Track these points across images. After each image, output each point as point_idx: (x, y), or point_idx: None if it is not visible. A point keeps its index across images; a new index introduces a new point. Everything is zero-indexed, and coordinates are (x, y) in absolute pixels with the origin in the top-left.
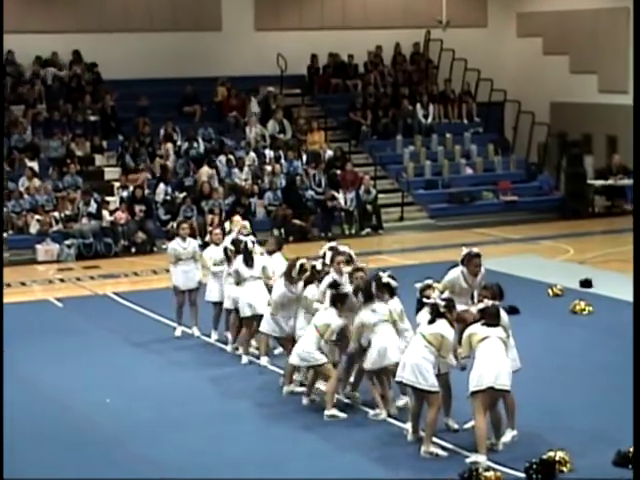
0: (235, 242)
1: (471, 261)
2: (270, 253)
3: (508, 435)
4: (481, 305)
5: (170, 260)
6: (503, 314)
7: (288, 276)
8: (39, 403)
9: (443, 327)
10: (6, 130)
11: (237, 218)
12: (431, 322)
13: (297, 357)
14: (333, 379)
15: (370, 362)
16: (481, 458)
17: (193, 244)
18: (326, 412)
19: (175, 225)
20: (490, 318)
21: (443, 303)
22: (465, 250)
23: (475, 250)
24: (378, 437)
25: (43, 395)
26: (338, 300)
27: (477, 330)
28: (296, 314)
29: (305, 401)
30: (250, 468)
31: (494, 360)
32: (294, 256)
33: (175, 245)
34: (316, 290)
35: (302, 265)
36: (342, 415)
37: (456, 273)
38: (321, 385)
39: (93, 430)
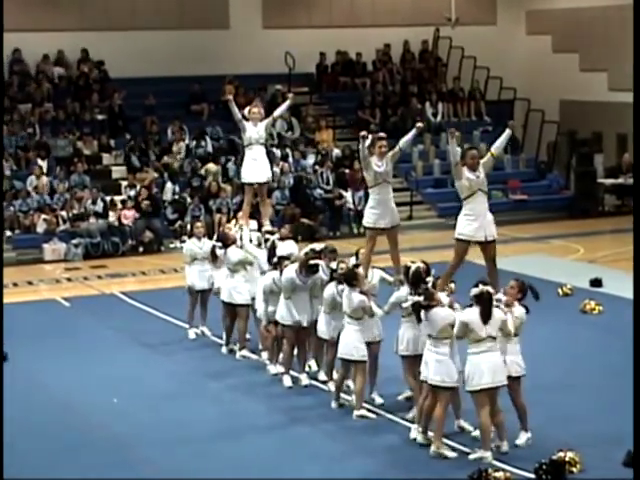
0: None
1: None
2: (282, 239)
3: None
4: (475, 290)
5: (185, 260)
6: (522, 311)
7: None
8: (44, 403)
9: (440, 316)
10: (13, 129)
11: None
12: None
13: (346, 352)
14: (362, 379)
15: (406, 350)
16: (486, 454)
17: (208, 244)
18: (355, 412)
19: (189, 225)
20: (484, 305)
21: (422, 298)
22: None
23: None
24: (389, 440)
25: (48, 395)
26: (352, 278)
27: (474, 326)
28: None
29: (334, 405)
30: (255, 470)
31: (491, 358)
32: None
33: (191, 245)
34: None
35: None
36: (372, 415)
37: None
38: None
39: (96, 431)
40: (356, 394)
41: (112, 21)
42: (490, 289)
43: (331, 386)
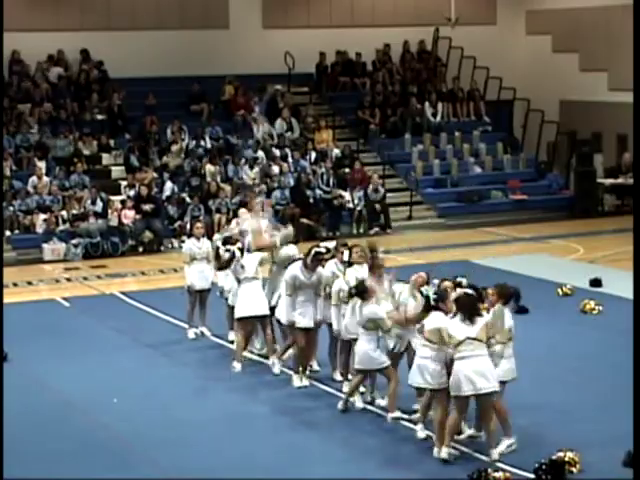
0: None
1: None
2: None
3: (503, 444)
4: (454, 295)
5: (185, 260)
6: (508, 318)
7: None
8: (44, 403)
9: (438, 320)
10: (13, 128)
11: (242, 210)
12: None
13: (360, 362)
14: (394, 382)
15: None
16: (443, 452)
17: (207, 244)
18: (390, 415)
19: (189, 225)
20: (462, 309)
21: (435, 296)
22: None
23: None
24: (390, 440)
25: (49, 395)
26: (365, 293)
27: (452, 331)
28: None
29: (340, 405)
30: (256, 469)
31: (473, 365)
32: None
33: (190, 245)
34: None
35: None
36: (404, 415)
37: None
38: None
39: (98, 431)
40: (389, 397)
41: (112, 21)
42: (468, 291)
43: (345, 387)
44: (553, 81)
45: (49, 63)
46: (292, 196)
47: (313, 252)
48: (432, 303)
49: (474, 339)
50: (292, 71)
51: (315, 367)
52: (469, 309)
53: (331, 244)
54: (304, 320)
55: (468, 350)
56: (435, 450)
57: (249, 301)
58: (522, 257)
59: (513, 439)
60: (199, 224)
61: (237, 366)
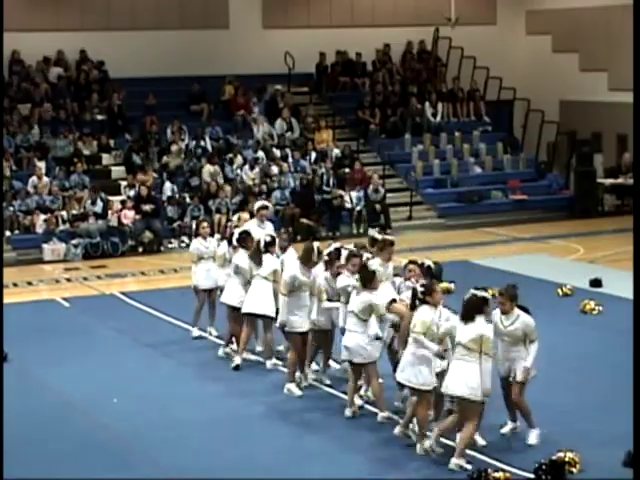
0: (242, 234)
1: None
2: (283, 249)
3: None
4: (466, 296)
5: (192, 259)
6: (529, 320)
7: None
8: (44, 403)
9: (425, 315)
10: (13, 128)
11: (245, 215)
12: (413, 308)
13: (347, 351)
14: (376, 381)
15: None
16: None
17: (214, 243)
18: (381, 414)
19: (195, 225)
20: (464, 308)
21: (422, 289)
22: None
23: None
24: (385, 438)
25: (49, 395)
26: (368, 279)
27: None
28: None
29: (348, 412)
30: (255, 469)
31: (455, 367)
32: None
33: (197, 244)
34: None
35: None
36: (395, 417)
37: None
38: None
39: (98, 431)
40: (376, 397)
41: (112, 21)
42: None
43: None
44: (553, 81)
45: (49, 63)
46: (294, 197)
47: (315, 248)
48: (419, 296)
49: (463, 346)
50: (292, 71)
51: (314, 367)
52: (468, 310)
53: (340, 244)
54: (302, 324)
55: (458, 354)
56: (418, 447)
57: (256, 299)
58: (522, 257)
59: (538, 429)
60: (205, 224)
61: (237, 359)
